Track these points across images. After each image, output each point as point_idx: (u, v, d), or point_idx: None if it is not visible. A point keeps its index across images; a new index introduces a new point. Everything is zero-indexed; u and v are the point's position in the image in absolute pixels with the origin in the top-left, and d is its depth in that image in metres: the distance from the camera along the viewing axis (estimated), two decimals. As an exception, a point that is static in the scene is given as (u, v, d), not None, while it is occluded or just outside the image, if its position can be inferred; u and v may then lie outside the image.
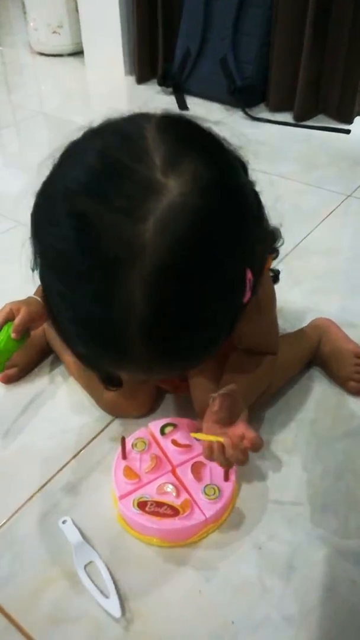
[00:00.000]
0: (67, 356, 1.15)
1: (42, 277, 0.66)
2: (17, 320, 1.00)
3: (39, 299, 1.05)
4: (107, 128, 0.63)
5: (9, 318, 1.01)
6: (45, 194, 0.63)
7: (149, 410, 1.10)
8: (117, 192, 0.56)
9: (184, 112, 0.64)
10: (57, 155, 0.64)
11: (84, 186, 0.58)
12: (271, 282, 0.99)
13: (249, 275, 0.66)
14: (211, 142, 0.65)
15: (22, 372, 1.18)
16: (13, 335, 0.99)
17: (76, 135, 0.64)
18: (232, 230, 0.61)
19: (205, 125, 0.65)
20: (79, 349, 0.66)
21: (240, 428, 0.84)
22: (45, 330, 1.20)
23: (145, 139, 0.58)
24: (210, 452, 0.85)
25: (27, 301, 1.04)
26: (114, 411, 1.09)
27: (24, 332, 1.01)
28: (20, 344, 1.01)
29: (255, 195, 0.71)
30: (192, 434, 0.92)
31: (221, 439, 0.84)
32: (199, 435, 0.87)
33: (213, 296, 0.61)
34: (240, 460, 0.84)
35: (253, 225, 0.68)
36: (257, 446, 0.83)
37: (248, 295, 0.67)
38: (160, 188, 0.55)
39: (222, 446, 0.84)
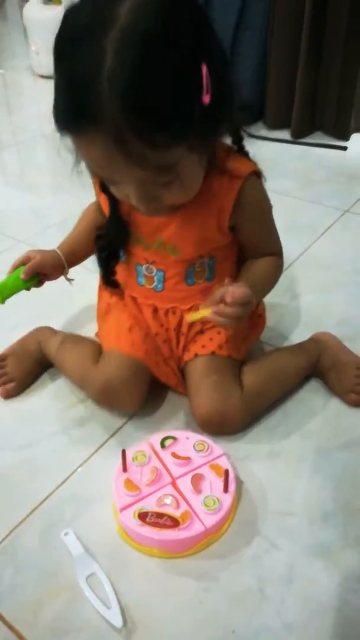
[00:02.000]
0: (61, 354, 1.19)
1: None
2: (29, 263, 1.07)
3: (59, 252, 1.13)
4: None
5: (25, 262, 1.08)
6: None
7: (140, 403, 1.10)
8: None
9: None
10: None
11: None
12: (265, 190, 1.06)
13: (205, 69, 0.77)
14: None
15: (20, 386, 1.19)
16: (22, 276, 1.06)
17: None
18: (194, 17, 0.78)
19: None
20: (61, 117, 0.82)
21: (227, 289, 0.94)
22: (41, 342, 1.22)
23: None
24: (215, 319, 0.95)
25: (46, 251, 1.12)
26: (106, 398, 1.09)
27: (34, 276, 1.08)
28: (27, 285, 1.08)
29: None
30: (190, 316, 1.00)
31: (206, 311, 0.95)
32: (194, 315, 0.98)
33: (172, 64, 0.73)
34: (233, 313, 0.93)
35: (209, 33, 0.81)
36: (237, 293, 0.93)
37: (207, 96, 0.78)
38: None
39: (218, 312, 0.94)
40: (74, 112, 0.78)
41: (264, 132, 2.41)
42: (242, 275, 1.09)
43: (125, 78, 0.71)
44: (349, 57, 2.15)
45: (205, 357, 1.09)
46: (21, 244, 1.69)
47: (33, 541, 0.92)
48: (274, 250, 1.13)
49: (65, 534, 0.91)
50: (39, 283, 1.11)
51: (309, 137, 2.37)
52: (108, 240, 1.09)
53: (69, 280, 1.16)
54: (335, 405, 1.14)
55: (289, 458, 1.04)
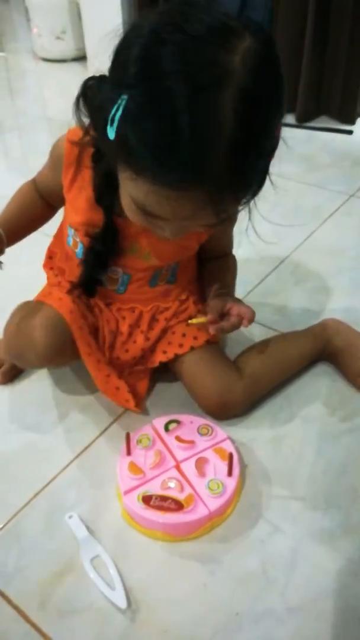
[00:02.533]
0: None
1: (130, 116, 0.70)
2: None
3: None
4: None
5: None
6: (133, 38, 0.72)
7: (53, 354, 1.02)
8: (204, 27, 0.68)
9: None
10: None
11: (170, 24, 0.69)
12: None
13: (279, 132, 0.79)
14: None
15: (10, 371, 1.18)
16: None
17: None
18: (284, 86, 0.75)
19: None
20: (162, 168, 0.71)
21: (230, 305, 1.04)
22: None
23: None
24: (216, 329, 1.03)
25: None
26: (14, 341, 1.05)
27: None
28: None
29: None
30: (189, 321, 1.08)
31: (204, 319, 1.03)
32: (194, 321, 1.06)
33: (273, 130, 0.76)
34: (236, 328, 1.03)
35: None
36: (251, 316, 1.02)
37: (272, 155, 0.80)
38: (240, 33, 0.69)
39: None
40: (182, 168, 0.69)
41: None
42: (224, 283, 1.11)
43: (244, 143, 0.70)
44: (355, 40, 2.13)
45: (189, 354, 1.09)
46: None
47: (38, 524, 0.92)
48: (229, 251, 1.19)
49: (70, 517, 0.92)
50: None
51: (314, 121, 2.35)
52: (103, 251, 1.01)
53: None
54: (339, 390, 1.14)
55: (293, 442, 1.04)
